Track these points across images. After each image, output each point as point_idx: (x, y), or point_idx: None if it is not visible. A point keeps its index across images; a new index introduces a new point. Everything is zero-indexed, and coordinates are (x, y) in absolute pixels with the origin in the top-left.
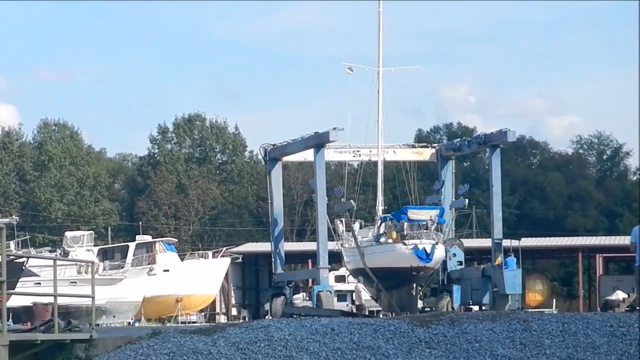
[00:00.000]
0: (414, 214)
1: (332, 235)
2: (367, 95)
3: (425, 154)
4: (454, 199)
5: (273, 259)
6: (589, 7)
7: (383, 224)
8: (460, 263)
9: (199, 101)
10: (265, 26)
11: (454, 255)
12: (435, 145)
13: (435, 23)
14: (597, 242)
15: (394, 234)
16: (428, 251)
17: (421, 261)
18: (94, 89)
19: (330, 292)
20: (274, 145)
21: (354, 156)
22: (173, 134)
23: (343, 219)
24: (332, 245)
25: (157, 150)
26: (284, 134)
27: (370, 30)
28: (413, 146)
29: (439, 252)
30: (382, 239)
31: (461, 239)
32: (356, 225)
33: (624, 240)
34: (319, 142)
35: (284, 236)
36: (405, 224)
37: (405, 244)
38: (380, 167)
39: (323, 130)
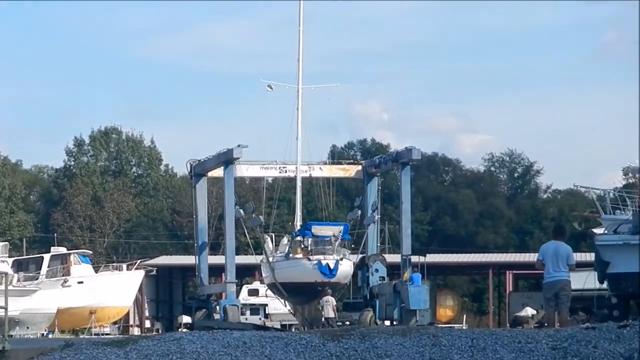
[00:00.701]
0: (318, 230)
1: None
2: (285, 111)
3: (352, 170)
4: (378, 215)
5: (197, 272)
6: (500, 30)
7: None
8: (383, 278)
9: (115, 115)
10: (182, 43)
11: (377, 270)
12: (362, 162)
13: (348, 43)
14: (507, 259)
15: (299, 250)
16: (331, 266)
17: (325, 276)
18: (11, 102)
19: (237, 306)
20: (199, 161)
21: (280, 172)
22: (89, 147)
23: (272, 234)
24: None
25: (73, 163)
26: (204, 150)
27: (283, 50)
28: (340, 163)
29: (344, 268)
30: (291, 255)
31: (383, 255)
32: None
33: (533, 257)
34: (226, 158)
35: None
36: (310, 239)
37: (309, 260)
38: (299, 183)
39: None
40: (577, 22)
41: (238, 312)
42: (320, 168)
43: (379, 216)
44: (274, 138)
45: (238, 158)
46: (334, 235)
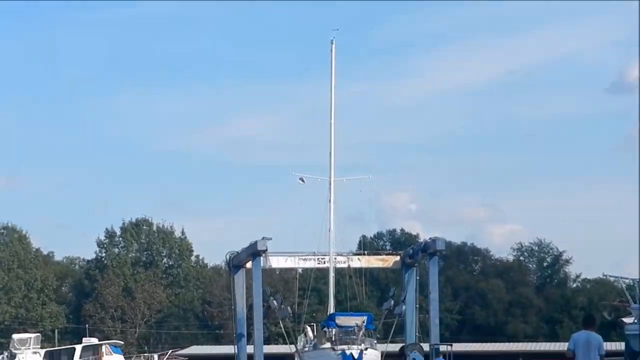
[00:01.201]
0: (342, 320)
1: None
2: (315, 201)
3: (390, 261)
4: (416, 305)
5: None
6: (527, 120)
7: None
8: None
9: (146, 207)
10: (212, 136)
11: (414, 359)
12: (400, 253)
13: (375, 134)
14: (537, 348)
15: (323, 340)
16: (355, 356)
17: None
18: (43, 195)
19: None
20: (236, 252)
21: (319, 263)
22: (120, 238)
23: (312, 325)
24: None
25: (104, 254)
26: (236, 241)
27: (312, 139)
28: (378, 253)
29: (369, 357)
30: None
31: (421, 344)
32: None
33: (563, 346)
34: (253, 251)
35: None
36: (334, 330)
37: (334, 349)
38: (331, 274)
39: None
40: (605, 113)
41: None
42: (358, 259)
43: (417, 305)
44: (305, 228)
45: (263, 250)
46: (357, 325)
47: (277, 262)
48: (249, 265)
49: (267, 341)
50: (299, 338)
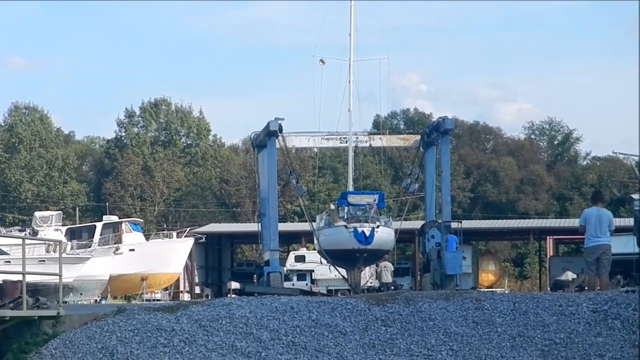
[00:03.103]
0: (353, 198)
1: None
2: (330, 82)
3: (411, 140)
4: (437, 184)
5: (260, 239)
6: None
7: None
8: (439, 244)
9: (164, 88)
10: (227, 19)
11: (432, 236)
12: (419, 132)
13: (388, 17)
14: (547, 224)
15: (336, 218)
16: (367, 234)
17: (361, 244)
18: (64, 75)
19: (280, 273)
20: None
21: (341, 143)
22: (139, 118)
23: (335, 203)
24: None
25: (124, 134)
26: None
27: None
28: (400, 133)
29: (381, 235)
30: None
31: (440, 222)
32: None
33: (573, 222)
34: (267, 131)
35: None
36: (346, 208)
37: (346, 227)
38: (350, 153)
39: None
40: None
41: (281, 279)
42: (379, 138)
43: (437, 184)
44: (321, 109)
45: (275, 130)
46: (368, 204)
47: (299, 141)
48: (277, 145)
49: (284, 219)
50: (317, 216)
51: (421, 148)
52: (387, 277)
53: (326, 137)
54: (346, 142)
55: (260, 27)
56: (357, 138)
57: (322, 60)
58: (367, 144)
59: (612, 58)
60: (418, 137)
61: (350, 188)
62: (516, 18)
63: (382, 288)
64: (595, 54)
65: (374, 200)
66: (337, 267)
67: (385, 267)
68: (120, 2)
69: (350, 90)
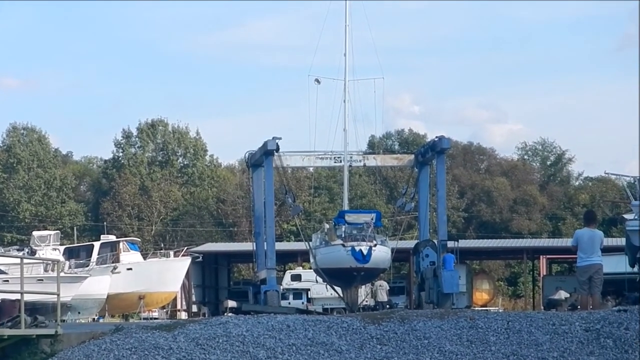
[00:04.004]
0: (350, 217)
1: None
2: (324, 102)
3: (405, 160)
4: (431, 203)
5: (255, 258)
6: (527, 23)
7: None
8: (433, 263)
9: (162, 108)
10: (222, 38)
11: (427, 255)
12: (414, 152)
13: (380, 37)
14: (541, 244)
15: (334, 237)
16: (364, 252)
17: (358, 262)
18: (61, 96)
19: (277, 291)
20: (254, 152)
21: (335, 162)
22: (137, 139)
23: (331, 222)
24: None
25: (121, 154)
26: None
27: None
28: (393, 152)
29: (378, 254)
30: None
31: (434, 241)
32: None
33: (566, 242)
34: (264, 150)
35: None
36: (344, 227)
37: (344, 246)
38: (346, 172)
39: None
40: (602, 16)
41: (278, 297)
42: (374, 158)
43: (431, 204)
44: (316, 129)
45: (273, 149)
46: (366, 223)
47: (294, 161)
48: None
49: (280, 238)
50: (313, 235)
51: (415, 168)
52: (382, 296)
53: (320, 156)
54: (341, 161)
55: (254, 48)
56: (351, 157)
57: (317, 80)
58: (362, 164)
59: (603, 77)
60: (412, 156)
61: (346, 207)
62: (505, 38)
63: (377, 307)
64: (584, 73)
65: (372, 219)
66: (332, 286)
67: (380, 286)
68: (116, 21)
69: (346, 110)
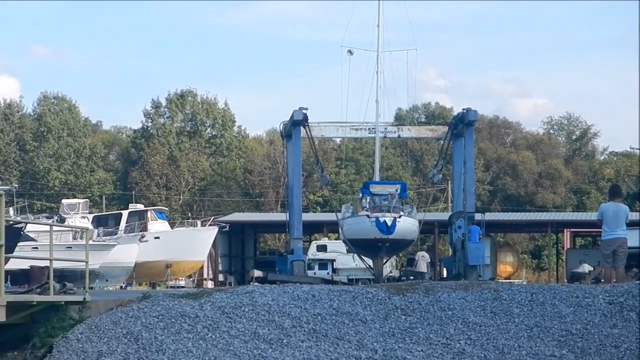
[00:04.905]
0: (375, 188)
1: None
2: (354, 77)
3: (439, 131)
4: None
5: (288, 228)
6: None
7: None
8: (464, 235)
9: (190, 79)
10: (253, 12)
11: (459, 227)
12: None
13: (407, 11)
14: (565, 217)
15: (359, 207)
16: (389, 224)
17: (382, 233)
18: (91, 66)
19: (303, 261)
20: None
21: (370, 133)
22: (166, 109)
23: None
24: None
25: (150, 124)
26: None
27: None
28: (428, 123)
29: (403, 225)
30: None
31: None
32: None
33: (591, 216)
34: (292, 121)
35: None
36: (368, 198)
37: (368, 217)
38: (377, 144)
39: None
40: None
41: (304, 267)
42: (408, 129)
43: (441, 175)
44: (344, 101)
45: (299, 120)
46: (390, 194)
47: (328, 131)
48: (303, 134)
49: (306, 209)
50: (343, 206)
51: (449, 139)
52: (422, 267)
53: (355, 127)
54: (374, 132)
55: (284, 22)
56: (385, 129)
57: (350, 51)
58: (396, 135)
59: (629, 53)
60: (446, 128)
61: (377, 178)
62: (531, 14)
63: (417, 277)
64: (610, 49)
65: (396, 190)
66: (361, 257)
67: (422, 257)
68: None
69: (378, 81)
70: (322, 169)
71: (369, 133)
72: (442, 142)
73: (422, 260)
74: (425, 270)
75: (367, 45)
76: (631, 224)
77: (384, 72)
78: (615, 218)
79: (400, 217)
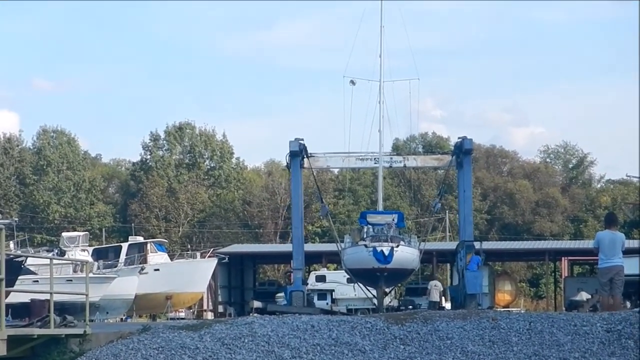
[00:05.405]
0: (372, 218)
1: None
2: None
3: (444, 160)
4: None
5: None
6: (548, 25)
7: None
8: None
9: (189, 110)
10: (251, 40)
11: (464, 256)
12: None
13: (401, 40)
14: (562, 245)
15: (357, 237)
16: (386, 253)
17: (380, 263)
18: (90, 99)
19: (302, 292)
20: None
21: (375, 163)
22: (164, 141)
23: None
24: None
25: (149, 156)
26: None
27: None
28: (433, 153)
29: (401, 254)
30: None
31: (474, 242)
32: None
33: (588, 244)
34: (290, 151)
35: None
36: (365, 227)
37: (366, 247)
38: (380, 174)
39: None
40: (624, 17)
41: (303, 298)
42: (414, 158)
43: (440, 205)
44: (343, 131)
45: (296, 150)
46: (387, 223)
47: (334, 162)
48: (307, 165)
49: (304, 240)
50: (346, 236)
51: (455, 167)
52: (435, 296)
53: (361, 157)
54: (376, 162)
55: (281, 50)
56: (391, 159)
57: (352, 81)
58: (402, 164)
59: (624, 80)
60: (452, 157)
61: (380, 208)
62: (525, 41)
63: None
64: (606, 76)
65: (393, 220)
66: (366, 287)
67: (435, 286)
68: (145, 23)
69: (381, 111)
70: (322, 199)
71: (375, 163)
72: (444, 171)
73: (435, 289)
74: (438, 300)
75: (370, 74)
76: (629, 252)
77: (386, 102)
78: (611, 246)
79: (397, 246)
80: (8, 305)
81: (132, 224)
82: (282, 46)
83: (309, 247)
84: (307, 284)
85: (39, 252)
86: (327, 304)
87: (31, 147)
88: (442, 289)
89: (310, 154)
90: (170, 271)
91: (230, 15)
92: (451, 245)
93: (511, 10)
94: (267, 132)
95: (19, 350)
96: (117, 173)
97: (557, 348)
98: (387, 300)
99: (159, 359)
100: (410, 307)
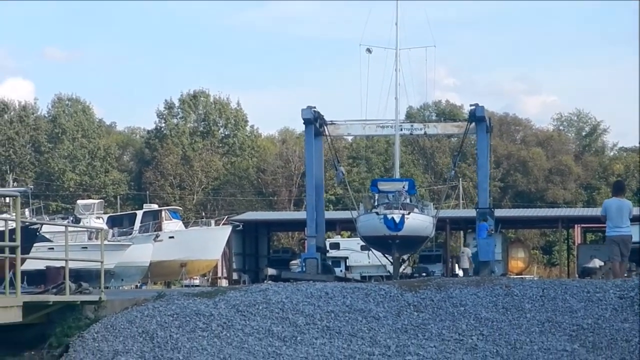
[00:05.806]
0: (383, 185)
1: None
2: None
3: (464, 127)
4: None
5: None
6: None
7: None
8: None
9: (203, 79)
10: (267, 12)
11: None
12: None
13: (417, 10)
14: (575, 213)
15: (368, 205)
16: (397, 221)
17: (390, 230)
18: (105, 67)
19: (316, 259)
20: None
21: (395, 130)
22: (179, 109)
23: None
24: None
25: (163, 124)
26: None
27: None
28: (454, 120)
29: (412, 222)
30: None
31: (492, 209)
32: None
33: (600, 211)
34: (303, 119)
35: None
36: (376, 195)
37: (377, 214)
38: (397, 141)
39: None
40: None
41: (317, 265)
42: (434, 125)
43: (453, 172)
44: (359, 99)
45: (309, 118)
46: (398, 191)
47: (354, 129)
48: (327, 132)
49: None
50: (361, 204)
51: (475, 133)
52: (465, 264)
53: (381, 125)
54: (401, 129)
55: (298, 21)
56: (412, 126)
57: (368, 50)
58: (422, 132)
59: (637, 49)
60: (472, 124)
61: (397, 175)
62: (541, 12)
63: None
64: (619, 46)
65: (404, 187)
66: (376, 254)
67: (462, 252)
68: None
69: (397, 79)
70: (338, 165)
71: (395, 130)
72: (458, 139)
73: (463, 255)
74: (468, 267)
75: (384, 43)
76: (637, 219)
77: (402, 70)
78: (618, 214)
79: (409, 213)
80: (24, 272)
81: (147, 192)
82: (297, 16)
83: (331, 214)
84: (328, 250)
85: (54, 219)
86: (341, 271)
87: (46, 115)
88: (470, 255)
89: (331, 121)
90: (185, 239)
91: None
92: (464, 212)
93: None
94: (282, 100)
95: (34, 317)
96: (131, 141)
97: (570, 315)
98: (401, 268)
99: (173, 325)
100: (424, 274)
